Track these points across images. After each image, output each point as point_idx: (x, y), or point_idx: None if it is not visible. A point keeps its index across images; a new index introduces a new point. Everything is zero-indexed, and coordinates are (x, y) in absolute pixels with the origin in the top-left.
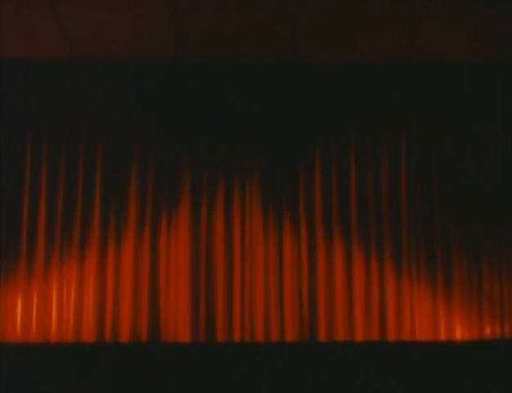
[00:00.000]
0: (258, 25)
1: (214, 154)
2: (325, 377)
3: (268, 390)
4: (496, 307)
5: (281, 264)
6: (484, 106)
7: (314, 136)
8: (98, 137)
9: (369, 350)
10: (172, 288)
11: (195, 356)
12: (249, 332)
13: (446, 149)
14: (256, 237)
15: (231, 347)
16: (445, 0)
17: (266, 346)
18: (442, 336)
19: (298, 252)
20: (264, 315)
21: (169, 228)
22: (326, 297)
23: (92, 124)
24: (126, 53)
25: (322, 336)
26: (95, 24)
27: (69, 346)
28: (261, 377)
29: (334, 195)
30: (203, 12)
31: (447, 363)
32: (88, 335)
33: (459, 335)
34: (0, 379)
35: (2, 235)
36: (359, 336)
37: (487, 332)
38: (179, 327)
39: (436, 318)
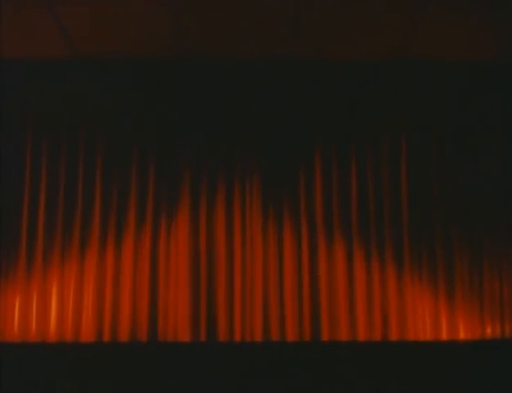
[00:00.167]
0: (258, 25)
1: (214, 154)
2: (327, 377)
3: (269, 390)
4: (497, 307)
5: (282, 263)
6: (484, 105)
7: (314, 136)
8: (98, 137)
9: (371, 349)
10: (172, 288)
11: (195, 356)
12: (249, 332)
13: (446, 149)
14: (256, 237)
15: (232, 347)
16: (445, 0)
17: (266, 346)
18: (444, 336)
19: (298, 252)
20: (264, 315)
21: (169, 228)
22: (328, 297)
23: (91, 124)
24: (126, 53)
25: (324, 336)
26: (95, 23)
27: (69, 346)
28: (261, 377)
29: (334, 195)
30: (203, 12)
31: (449, 363)
32: (88, 335)
33: (460, 334)
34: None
35: (2, 235)
36: (361, 336)
37: (489, 331)
38: (179, 327)
39: (437, 318)
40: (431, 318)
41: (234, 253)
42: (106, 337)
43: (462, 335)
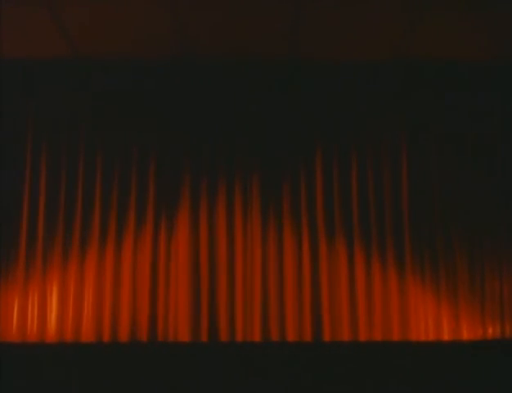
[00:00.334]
0: (257, 25)
1: (214, 154)
2: (328, 377)
3: (269, 390)
4: (498, 307)
5: (283, 264)
6: (484, 105)
7: (314, 136)
8: (98, 137)
9: (372, 350)
10: (173, 288)
11: (195, 356)
12: (250, 333)
13: (446, 149)
14: (257, 237)
15: (232, 347)
16: (445, 0)
17: (266, 346)
18: (445, 337)
19: (299, 252)
20: (264, 315)
21: (169, 228)
22: (329, 297)
23: (91, 124)
24: (126, 53)
25: (326, 336)
26: (95, 23)
27: (69, 346)
28: (261, 377)
29: (335, 195)
30: (203, 12)
31: (450, 363)
32: (88, 335)
33: (462, 335)
34: None
35: (2, 235)
36: (362, 337)
37: (490, 331)
38: (179, 327)
39: (439, 319)
40: (432, 318)
41: (234, 253)
42: (106, 337)
43: (463, 335)
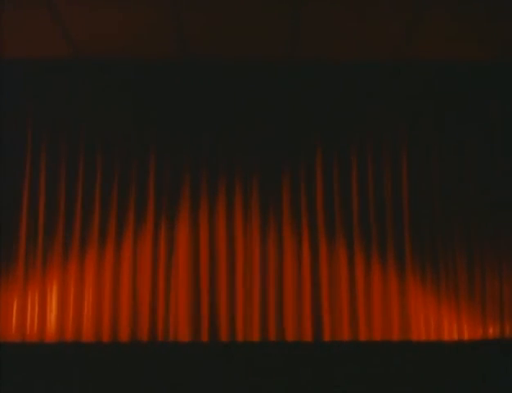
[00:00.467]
0: (258, 25)
1: (214, 154)
2: (329, 377)
3: (269, 390)
4: (498, 307)
5: (283, 264)
6: (484, 105)
7: (314, 136)
8: (98, 137)
9: (372, 350)
10: (173, 288)
11: (195, 356)
12: (250, 333)
13: (446, 148)
14: (257, 238)
15: (232, 347)
16: (445, 0)
17: (265, 346)
18: (446, 336)
19: (299, 252)
20: (263, 315)
21: (170, 228)
22: (329, 297)
23: (92, 124)
24: (126, 53)
25: (326, 336)
26: (95, 24)
27: (69, 346)
28: (261, 377)
29: (335, 195)
30: (203, 12)
31: (451, 363)
32: (88, 335)
33: (462, 335)
34: None
35: (2, 235)
36: (362, 337)
37: (490, 331)
38: (179, 327)
39: (439, 319)
40: (432, 318)
41: (234, 253)
42: (106, 337)
43: (464, 335)
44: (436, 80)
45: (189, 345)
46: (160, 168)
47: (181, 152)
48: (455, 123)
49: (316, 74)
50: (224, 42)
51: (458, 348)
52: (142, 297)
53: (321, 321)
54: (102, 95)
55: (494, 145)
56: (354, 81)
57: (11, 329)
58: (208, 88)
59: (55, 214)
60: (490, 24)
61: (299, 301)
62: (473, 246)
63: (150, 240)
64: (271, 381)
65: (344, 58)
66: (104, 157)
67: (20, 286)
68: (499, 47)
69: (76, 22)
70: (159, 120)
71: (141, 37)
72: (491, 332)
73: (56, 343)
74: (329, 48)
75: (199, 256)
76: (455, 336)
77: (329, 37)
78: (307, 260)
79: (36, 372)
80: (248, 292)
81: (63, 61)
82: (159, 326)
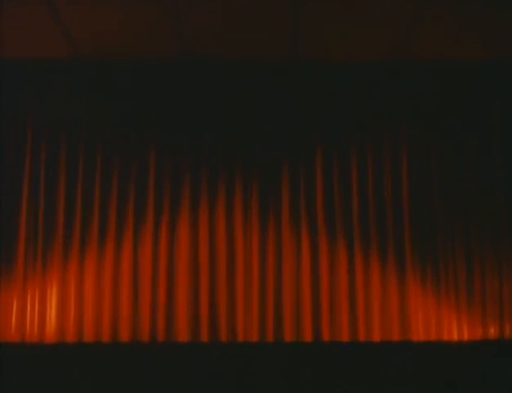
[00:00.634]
0: (258, 25)
1: (214, 154)
2: (328, 377)
3: (269, 390)
4: (498, 307)
5: (283, 264)
6: (484, 105)
7: (314, 136)
8: (98, 137)
9: (372, 350)
10: (173, 288)
11: (195, 356)
12: (250, 333)
13: (446, 148)
14: (257, 238)
15: (232, 347)
16: (445, 0)
17: (265, 346)
18: (445, 336)
19: (299, 252)
20: (262, 315)
21: (170, 228)
22: (329, 298)
23: (91, 124)
24: (126, 53)
25: (325, 336)
26: (95, 23)
27: (69, 346)
28: (261, 377)
29: (335, 195)
30: (203, 12)
31: (450, 363)
32: (88, 335)
33: (462, 335)
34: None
35: (2, 235)
36: (362, 337)
37: (490, 332)
38: (180, 327)
39: (439, 319)
40: (432, 318)
41: (234, 253)
42: (106, 338)
43: (463, 335)
44: (436, 80)
45: (189, 345)
46: (160, 168)
47: (181, 152)
48: (455, 123)
49: (316, 74)
50: (224, 42)
51: (458, 348)
52: (142, 297)
53: (321, 321)
54: (102, 95)
55: (494, 145)
56: (354, 81)
57: (10, 329)
58: (208, 88)
59: (55, 214)
60: (490, 24)
61: (299, 301)
62: (473, 246)
63: (150, 240)
64: (270, 381)
65: (344, 58)
66: (104, 157)
67: (20, 286)
68: (499, 47)
69: (76, 22)
70: (159, 120)
71: (141, 37)
72: (491, 332)
73: (56, 343)
74: (329, 48)
75: (198, 256)
76: (455, 337)
77: (329, 37)
78: (307, 260)
79: (36, 372)
80: (248, 292)
81: (63, 61)
82: (160, 326)
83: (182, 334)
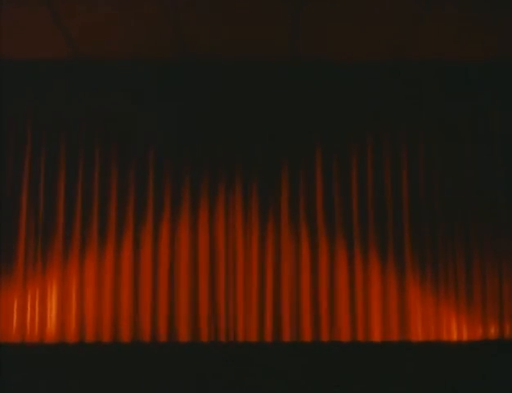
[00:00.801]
0: (258, 25)
1: (214, 154)
2: (328, 377)
3: (269, 390)
4: (498, 307)
5: (283, 264)
6: (484, 105)
7: (314, 136)
8: (97, 137)
9: (372, 350)
10: (174, 288)
11: (195, 356)
12: (250, 333)
13: (446, 148)
14: (257, 238)
15: (232, 347)
16: (445, 0)
17: (265, 346)
18: (445, 336)
19: (299, 252)
20: (262, 315)
21: (170, 228)
22: (329, 298)
23: (91, 124)
24: (126, 53)
25: (324, 336)
26: (95, 23)
27: (69, 347)
28: (261, 377)
29: (335, 195)
30: (203, 12)
31: (450, 363)
32: (89, 335)
33: (461, 335)
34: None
35: (2, 235)
36: (361, 337)
37: (490, 331)
38: (180, 327)
39: (439, 318)
40: (432, 318)
41: (234, 253)
42: (107, 338)
43: (463, 335)
44: (436, 80)
45: (189, 346)
46: (160, 168)
47: (181, 152)
48: (455, 123)
49: (316, 74)
50: (224, 42)
51: (457, 348)
52: (143, 297)
53: (320, 321)
54: (102, 95)
55: (494, 145)
56: (354, 81)
57: (10, 329)
58: (208, 88)
59: (55, 214)
60: (490, 24)
61: (298, 301)
62: (473, 246)
63: (150, 240)
64: (270, 381)
65: (344, 58)
66: (104, 157)
67: (20, 286)
68: (499, 47)
69: (76, 22)
70: (159, 120)
71: (141, 37)
72: (491, 331)
73: (57, 343)
74: (329, 48)
75: (198, 256)
76: (455, 337)
77: (329, 37)
78: (307, 260)
79: (36, 372)
80: (247, 292)
81: (63, 61)
82: (160, 326)
83: (183, 334)
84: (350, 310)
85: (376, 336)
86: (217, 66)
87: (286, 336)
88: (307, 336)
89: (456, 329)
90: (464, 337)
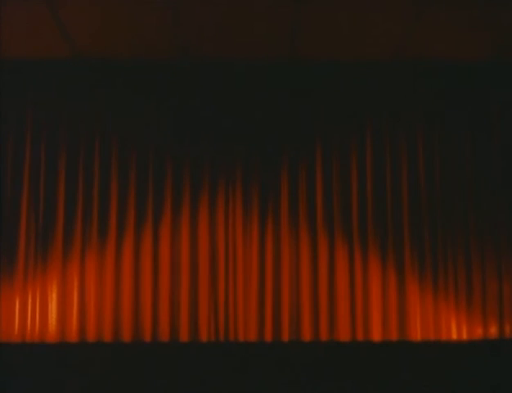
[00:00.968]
0: (258, 25)
1: (214, 153)
2: (328, 376)
3: (269, 390)
4: (498, 307)
5: (282, 264)
6: (484, 105)
7: (314, 135)
8: (97, 137)
9: (371, 349)
10: (175, 288)
11: (195, 356)
12: (250, 333)
13: (446, 148)
14: (256, 238)
15: (232, 347)
16: (445, 0)
17: (265, 346)
18: (444, 336)
19: (298, 252)
20: (262, 315)
21: (170, 228)
22: (328, 297)
23: (91, 124)
24: (126, 53)
25: (324, 336)
26: (95, 24)
27: (70, 347)
28: (260, 377)
29: (335, 194)
30: (202, 12)
31: (450, 363)
32: (90, 335)
33: (461, 335)
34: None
35: (2, 235)
36: (360, 336)
37: (490, 331)
38: (180, 327)
39: (438, 318)
40: (431, 318)
41: (234, 253)
42: (108, 338)
43: (463, 335)
44: (436, 80)
45: (188, 346)
46: (160, 167)
47: (181, 152)
48: (455, 123)
49: (316, 74)
50: (224, 42)
51: (457, 348)
52: (143, 297)
53: (320, 321)
54: (102, 95)
55: (494, 145)
56: (354, 81)
57: (12, 329)
58: (208, 88)
59: (55, 214)
60: (490, 24)
61: (298, 301)
62: (472, 246)
63: (150, 240)
64: (270, 381)
65: (344, 57)
66: (103, 157)
67: (21, 286)
68: (499, 47)
69: (76, 22)
70: (159, 120)
71: (141, 37)
72: (491, 331)
73: (57, 343)
74: (329, 48)
75: (198, 256)
76: (455, 336)
77: (329, 37)
78: (306, 260)
79: (37, 372)
80: (247, 292)
81: (63, 61)
82: (161, 326)
83: (183, 334)
84: (350, 310)
85: (376, 336)
86: (217, 66)
87: (286, 336)
88: (307, 336)
89: (456, 329)
90: (464, 337)
